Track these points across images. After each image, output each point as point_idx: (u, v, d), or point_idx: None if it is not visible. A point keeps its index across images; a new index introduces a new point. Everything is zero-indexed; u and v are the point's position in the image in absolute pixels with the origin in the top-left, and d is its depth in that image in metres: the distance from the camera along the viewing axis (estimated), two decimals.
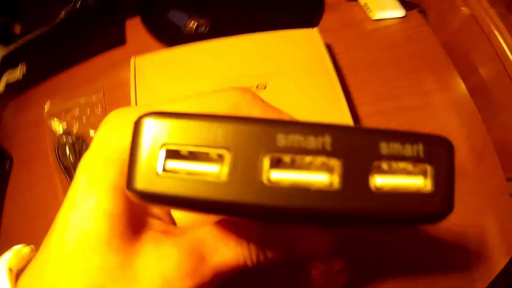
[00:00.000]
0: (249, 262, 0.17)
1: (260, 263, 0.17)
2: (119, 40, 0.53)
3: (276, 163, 0.12)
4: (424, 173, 0.13)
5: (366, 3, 0.58)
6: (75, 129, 0.45)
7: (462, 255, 0.46)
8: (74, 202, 0.16)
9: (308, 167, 0.12)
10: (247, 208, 0.12)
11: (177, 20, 0.52)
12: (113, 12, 0.54)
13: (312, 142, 0.12)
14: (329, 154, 0.12)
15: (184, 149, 0.12)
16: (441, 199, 0.13)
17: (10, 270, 0.18)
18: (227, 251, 0.16)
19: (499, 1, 0.57)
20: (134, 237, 0.16)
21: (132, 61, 0.41)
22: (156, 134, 0.12)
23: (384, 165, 0.12)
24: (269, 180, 0.12)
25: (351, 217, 0.13)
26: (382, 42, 0.57)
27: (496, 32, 0.53)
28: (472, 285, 0.46)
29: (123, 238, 0.15)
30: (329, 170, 0.12)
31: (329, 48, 0.54)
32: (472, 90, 0.57)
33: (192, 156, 0.12)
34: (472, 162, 0.52)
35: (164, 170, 0.12)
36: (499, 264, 0.47)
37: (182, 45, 0.43)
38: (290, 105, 0.39)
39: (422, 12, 0.63)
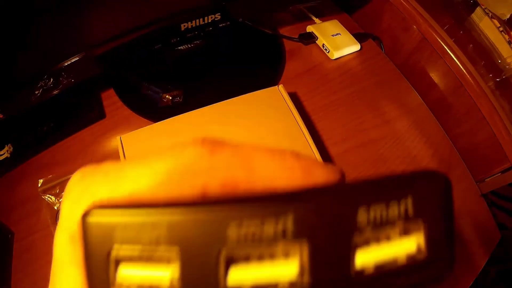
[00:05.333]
0: None
1: None
2: (99, 114, 0.56)
3: (232, 261, 0.10)
4: (415, 236, 0.10)
5: (324, 44, 0.62)
6: None
7: None
8: (51, 281, 0.16)
9: (269, 260, 0.10)
10: None
11: (153, 95, 0.56)
12: (88, 88, 0.57)
13: (271, 227, 0.10)
14: (292, 238, 0.10)
15: (131, 253, 0.11)
16: (438, 264, 0.10)
17: None
18: None
19: (444, 15, 0.62)
20: None
21: (118, 139, 0.45)
22: (103, 240, 0.11)
23: (366, 236, 0.10)
24: (226, 285, 0.10)
25: None
26: (344, 80, 0.61)
27: (447, 49, 0.58)
28: (456, 285, 0.50)
29: None
30: (295, 259, 0.10)
31: (295, 96, 0.59)
32: (433, 106, 0.62)
33: (142, 258, 0.11)
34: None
35: (116, 280, 0.11)
36: (480, 262, 0.52)
37: (161, 121, 0.47)
38: None
39: (376, 39, 0.67)
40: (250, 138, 0.46)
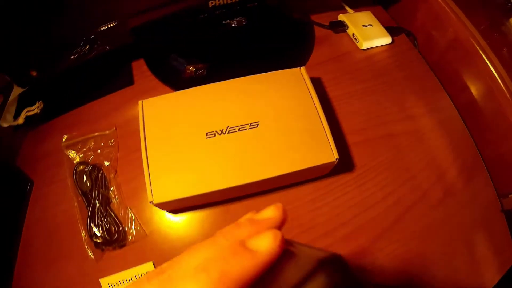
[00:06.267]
0: None
1: None
2: (128, 81, 0.59)
3: None
4: None
5: (353, 34, 0.61)
6: (91, 159, 0.51)
7: (453, 274, 0.47)
8: None
9: None
10: None
11: (178, 65, 0.58)
12: (119, 56, 0.60)
13: None
14: None
15: None
16: None
17: None
18: None
19: (480, 16, 0.59)
20: None
21: (140, 103, 0.47)
22: None
23: None
24: None
25: None
26: (371, 71, 0.60)
27: (479, 51, 0.55)
28: None
29: None
30: None
31: (319, 81, 0.58)
32: (462, 108, 0.60)
33: None
34: (462, 180, 0.54)
35: None
36: (491, 281, 0.48)
37: (182, 90, 0.48)
38: (280, 141, 0.44)
39: (410, 35, 0.66)
40: (266, 114, 0.46)
